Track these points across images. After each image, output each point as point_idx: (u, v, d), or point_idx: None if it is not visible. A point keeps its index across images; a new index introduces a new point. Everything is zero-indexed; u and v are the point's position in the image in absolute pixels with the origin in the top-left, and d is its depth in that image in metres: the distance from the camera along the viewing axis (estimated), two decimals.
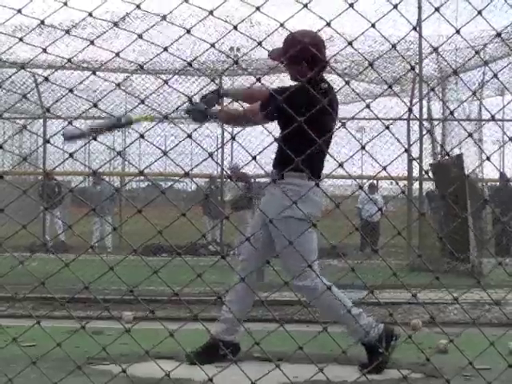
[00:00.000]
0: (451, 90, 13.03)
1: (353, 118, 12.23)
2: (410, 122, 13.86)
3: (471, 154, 11.44)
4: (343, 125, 2.30)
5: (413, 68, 2.71)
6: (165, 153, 2.14)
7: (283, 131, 3.98)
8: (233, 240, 14.78)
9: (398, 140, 2.61)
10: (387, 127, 2.16)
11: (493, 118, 2.42)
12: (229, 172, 14.63)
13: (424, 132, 11.93)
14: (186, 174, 2.23)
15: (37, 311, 6.17)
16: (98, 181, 15.47)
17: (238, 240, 13.93)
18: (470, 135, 2.48)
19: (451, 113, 2.22)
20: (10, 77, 13.14)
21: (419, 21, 10.49)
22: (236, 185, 14.19)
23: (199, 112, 4.19)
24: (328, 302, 3.96)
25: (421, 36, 10.12)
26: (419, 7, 11.43)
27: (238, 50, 13.27)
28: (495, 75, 2.41)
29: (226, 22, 2.21)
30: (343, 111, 14.73)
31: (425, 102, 12.76)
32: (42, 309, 6.30)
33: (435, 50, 2.37)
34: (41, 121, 15.52)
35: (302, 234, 3.64)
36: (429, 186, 12.62)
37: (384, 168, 2.17)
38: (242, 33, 2.16)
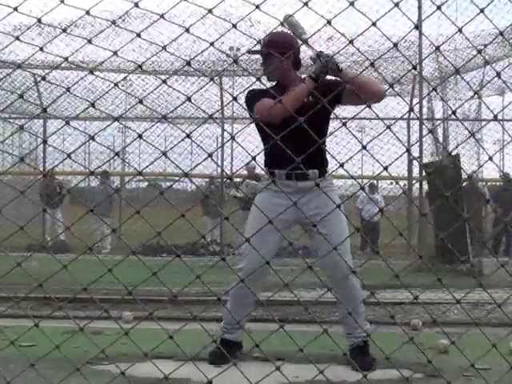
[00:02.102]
0: (451, 90, 13.03)
1: (353, 118, 12.22)
2: (410, 122, 13.87)
3: (471, 155, 11.44)
4: (344, 125, 2.28)
5: (414, 67, 2.70)
6: (164, 153, 2.13)
7: (322, 131, 4.08)
8: (233, 240, 14.78)
9: (399, 139, 2.60)
10: (388, 127, 2.15)
11: (495, 118, 2.41)
12: (245, 171, 14.68)
13: (425, 132, 11.92)
14: (186, 175, 2.22)
15: (37, 311, 6.16)
16: (105, 180, 15.50)
17: (239, 240, 13.96)
18: (472, 135, 2.47)
19: (453, 112, 2.20)
20: (8, 75, 13.13)
21: (419, 20, 10.48)
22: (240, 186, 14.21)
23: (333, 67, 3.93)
24: (361, 294, 4.15)
25: (421, 34, 10.12)
26: (419, 7, 11.43)
27: (238, 49, 13.27)
28: (498, 74, 2.40)
29: (225, 20, 2.19)
30: (344, 111, 14.73)
31: (425, 102, 12.76)
32: (41, 309, 6.29)
33: (437, 48, 2.36)
34: (41, 121, 15.52)
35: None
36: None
37: (385, 168, 2.16)
38: (241, 31, 2.15)
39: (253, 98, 4.06)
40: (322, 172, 4.15)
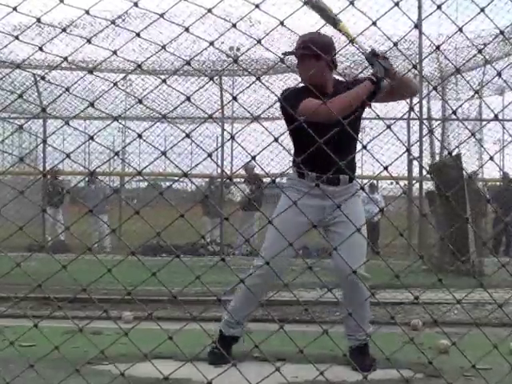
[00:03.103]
0: (451, 90, 13.03)
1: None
2: (410, 122, 13.86)
3: (471, 154, 11.44)
4: (343, 124, 2.28)
5: (415, 66, 2.70)
6: (163, 153, 2.13)
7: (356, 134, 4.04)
8: (233, 240, 14.78)
9: (399, 139, 2.59)
10: (389, 126, 2.15)
11: (496, 118, 2.40)
12: (243, 171, 14.66)
13: (425, 132, 11.90)
14: (185, 175, 2.22)
15: (36, 311, 6.16)
16: (93, 180, 15.51)
17: (239, 240, 13.97)
18: (473, 135, 2.46)
19: (454, 112, 2.19)
20: (7, 75, 13.13)
21: (419, 20, 10.47)
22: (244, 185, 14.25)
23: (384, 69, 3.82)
24: (366, 290, 4.08)
25: (421, 33, 10.12)
26: (419, 7, 11.44)
27: (238, 49, 13.26)
28: (499, 74, 2.39)
29: (225, 20, 2.19)
30: None
31: (424, 102, 12.75)
32: (41, 309, 6.29)
33: (437, 47, 2.35)
34: (40, 121, 15.53)
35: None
36: (429, 185, 12.60)
37: (385, 168, 2.16)
38: (240, 31, 2.14)
39: (295, 97, 3.94)
40: (351, 177, 4.11)
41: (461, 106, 11.53)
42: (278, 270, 3.75)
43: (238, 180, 15.27)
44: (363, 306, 4.05)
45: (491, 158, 2.36)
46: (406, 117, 13.57)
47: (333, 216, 3.99)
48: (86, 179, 15.67)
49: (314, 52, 3.78)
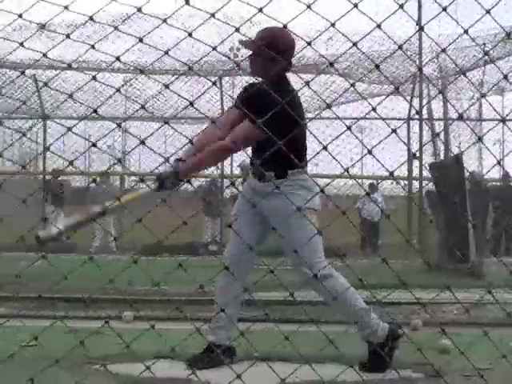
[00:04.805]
0: (451, 90, 13.04)
1: (354, 118, 12.25)
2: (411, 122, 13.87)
3: (471, 154, 11.45)
4: (349, 128, 2.29)
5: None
6: (167, 158, 2.13)
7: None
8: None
9: (404, 142, 2.60)
10: (394, 131, 2.15)
11: (503, 119, 2.40)
12: (239, 170, 14.67)
13: (425, 132, 11.91)
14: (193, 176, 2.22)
15: (38, 311, 6.16)
16: (106, 180, 15.58)
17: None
18: (480, 139, 2.46)
19: (461, 116, 2.20)
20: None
21: (419, 19, 10.49)
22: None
23: (172, 179, 3.86)
24: (342, 295, 3.92)
25: (422, 29, 10.10)
26: (419, 6, 11.46)
27: (238, 49, 13.29)
28: (505, 76, 2.40)
29: (226, 23, 2.18)
30: (343, 111, 14.60)
31: (424, 102, 12.75)
32: (42, 309, 6.29)
33: (443, 50, 2.35)
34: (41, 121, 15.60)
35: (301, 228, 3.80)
36: (428, 183, 12.60)
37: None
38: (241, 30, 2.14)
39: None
40: (280, 174, 4.00)
41: (470, 106, 11.52)
42: (241, 265, 3.87)
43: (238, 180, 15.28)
44: (341, 303, 3.97)
45: (499, 163, 2.36)
46: (409, 117, 13.59)
47: (265, 215, 3.99)
48: (97, 179, 15.74)
49: (267, 55, 3.79)
